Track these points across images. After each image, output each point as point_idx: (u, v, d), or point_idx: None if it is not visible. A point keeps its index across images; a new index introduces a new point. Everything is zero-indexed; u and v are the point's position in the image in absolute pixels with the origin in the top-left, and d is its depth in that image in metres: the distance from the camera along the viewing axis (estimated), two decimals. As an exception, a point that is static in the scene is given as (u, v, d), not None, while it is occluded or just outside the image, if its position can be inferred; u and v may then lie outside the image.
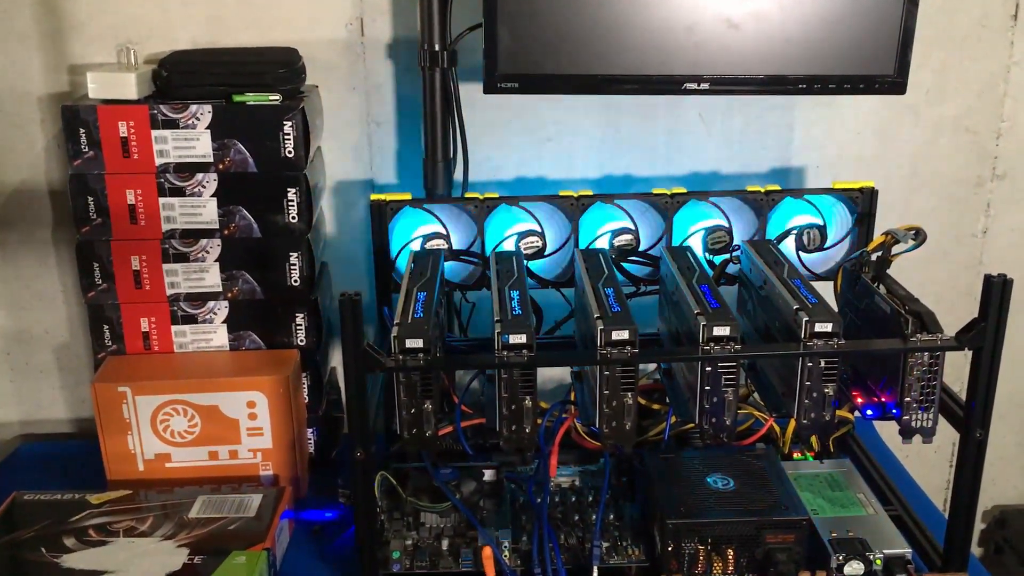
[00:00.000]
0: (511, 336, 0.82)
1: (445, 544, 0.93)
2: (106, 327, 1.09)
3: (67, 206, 1.06)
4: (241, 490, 1.04)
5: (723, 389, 0.84)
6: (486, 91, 1.02)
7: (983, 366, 0.82)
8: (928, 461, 1.44)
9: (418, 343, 0.82)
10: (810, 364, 0.83)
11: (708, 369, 0.83)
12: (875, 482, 1.04)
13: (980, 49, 1.23)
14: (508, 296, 0.89)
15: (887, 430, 1.18)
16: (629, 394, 0.84)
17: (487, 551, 0.88)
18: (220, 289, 1.08)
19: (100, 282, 1.07)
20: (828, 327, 0.82)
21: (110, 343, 1.10)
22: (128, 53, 1.07)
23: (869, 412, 0.90)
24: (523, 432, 0.84)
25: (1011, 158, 1.29)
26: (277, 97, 1.04)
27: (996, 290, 0.80)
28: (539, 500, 0.95)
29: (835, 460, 1.05)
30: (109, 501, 1.01)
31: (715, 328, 0.82)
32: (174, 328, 1.10)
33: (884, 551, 0.87)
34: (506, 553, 0.90)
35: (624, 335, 0.82)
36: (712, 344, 0.82)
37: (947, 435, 1.42)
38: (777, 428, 1.08)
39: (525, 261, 1.07)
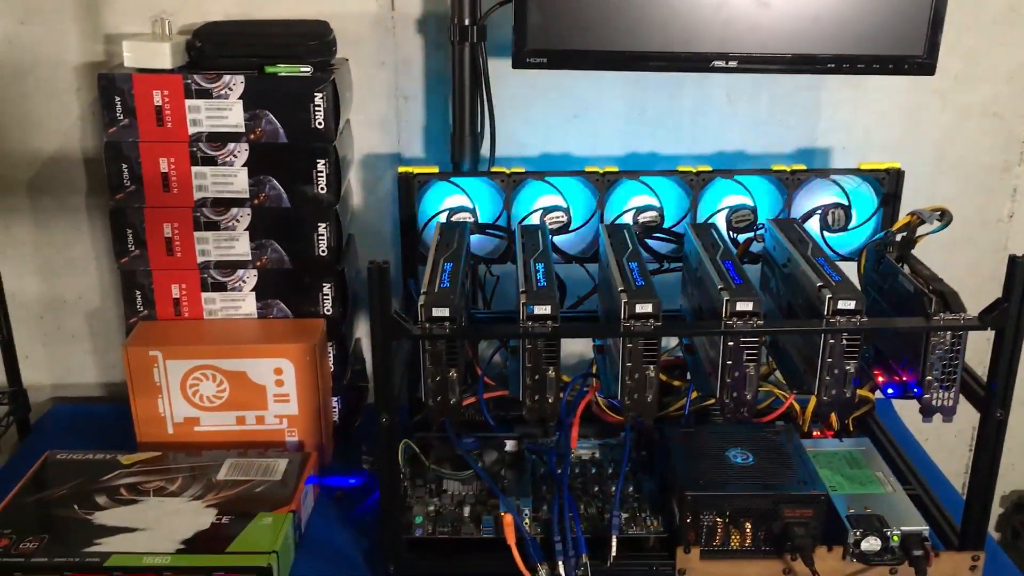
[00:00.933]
0: (536, 307, 0.83)
1: (467, 511, 0.94)
2: (138, 292, 1.11)
3: (101, 173, 1.08)
4: (267, 455, 1.06)
5: (745, 364, 0.85)
6: (515, 66, 1.03)
7: (1005, 346, 0.82)
8: (947, 445, 1.44)
9: (444, 312, 0.83)
10: (832, 341, 0.84)
11: (731, 344, 0.84)
12: (894, 462, 1.05)
13: (1010, 35, 1.22)
14: (533, 268, 0.90)
15: (908, 413, 1.20)
16: (652, 367, 0.85)
17: (508, 518, 0.89)
18: (249, 258, 1.10)
19: (133, 248, 1.09)
20: (851, 304, 0.83)
21: (142, 308, 1.12)
22: (162, 23, 1.09)
23: (890, 391, 0.91)
24: (546, 403, 0.86)
25: (1039, 143, 1.28)
26: (308, 69, 1.05)
27: (1020, 270, 0.80)
28: (559, 471, 0.96)
29: (854, 439, 1.06)
30: (140, 462, 1.04)
31: (738, 303, 0.83)
32: (204, 295, 1.12)
33: (901, 528, 0.88)
34: (526, 521, 0.91)
35: (648, 308, 0.83)
36: (735, 319, 0.83)
37: (968, 419, 1.43)
38: (797, 406, 1.08)
39: (550, 236, 1.08)
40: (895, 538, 0.88)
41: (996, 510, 1.50)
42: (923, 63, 1.03)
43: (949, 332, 0.84)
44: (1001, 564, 0.94)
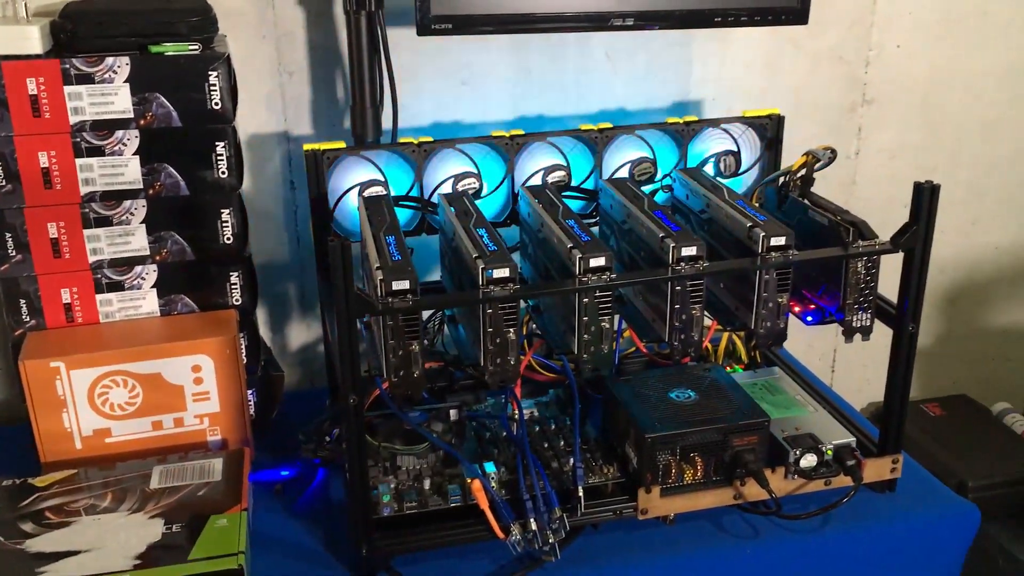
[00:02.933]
0: (495, 271, 0.83)
1: (427, 484, 0.94)
2: (23, 301, 1.02)
3: (-32, 174, 0.98)
4: (190, 458, 1.00)
5: (691, 306, 0.89)
6: (420, 33, 1.01)
7: (915, 266, 0.91)
8: (814, 367, 1.56)
9: (405, 284, 0.81)
10: (767, 276, 0.89)
11: (678, 289, 0.88)
12: (802, 386, 1.13)
13: (851, -18, 1.33)
14: (477, 233, 0.90)
15: (793, 344, 1.29)
16: (607, 318, 0.87)
17: (476, 483, 0.89)
18: (148, 252, 1.03)
19: (14, 253, 0.99)
20: (783, 240, 0.89)
21: (28, 318, 1.02)
22: (16, 4, 0.99)
23: (810, 319, 0.98)
24: (508, 365, 0.86)
25: (878, 84, 1.41)
26: (196, 47, 0.99)
27: (925, 196, 0.89)
28: (516, 431, 0.97)
29: (764, 369, 1.14)
30: (56, 482, 0.96)
31: (683, 249, 0.87)
32: (99, 297, 1.04)
33: (833, 442, 0.96)
34: (494, 483, 0.92)
35: (601, 261, 0.85)
36: (682, 264, 0.87)
37: (830, 343, 1.55)
38: (710, 346, 1.15)
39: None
40: (829, 452, 0.96)
41: (858, 422, 1.65)
42: (798, 12, 1.10)
43: (865, 258, 0.91)
44: (907, 463, 1.04)
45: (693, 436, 0.92)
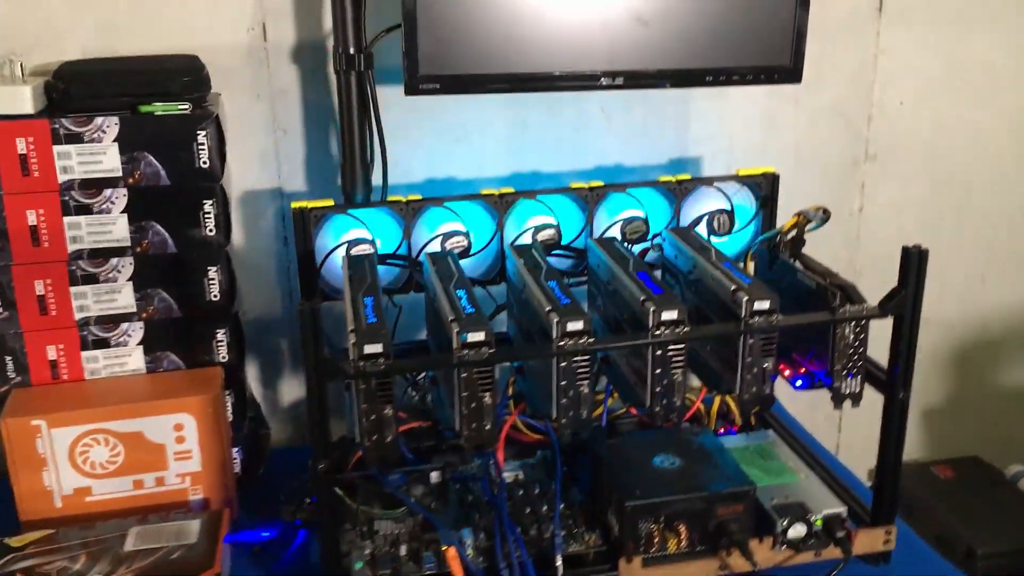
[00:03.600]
0: (470, 334, 0.82)
1: (403, 550, 0.92)
2: (8, 358, 1.02)
3: (-42, 231, 0.98)
4: (171, 518, 0.99)
5: (672, 371, 0.87)
6: (408, 93, 1.01)
7: (904, 331, 0.89)
8: (819, 428, 1.53)
9: (378, 348, 0.81)
10: (751, 341, 0.87)
11: (658, 353, 0.86)
12: (796, 450, 1.11)
13: (851, 40, 1.32)
14: (456, 296, 0.89)
15: (793, 404, 1.27)
16: (585, 383, 0.85)
17: (451, 551, 0.87)
18: (134, 309, 1.03)
19: (1, 310, 1.00)
20: (766, 304, 0.87)
21: (14, 375, 1.02)
22: (13, 65, 1.00)
23: (799, 383, 0.96)
24: (483, 429, 0.85)
25: (881, 140, 1.39)
26: (187, 106, 1.00)
27: (913, 260, 0.87)
28: (495, 496, 0.95)
29: (758, 432, 1.11)
30: (32, 543, 0.95)
31: (664, 313, 0.85)
32: (84, 354, 1.04)
33: (823, 512, 0.93)
34: (470, 551, 0.90)
35: (579, 325, 0.84)
36: (663, 328, 0.85)
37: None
38: (702, 407, 1.13)
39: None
40: (818, 522, 0.93)
41: (866, 483, 1.60)
42: (791, 71, 1.09)
43: (853, 323, 0.89)
44: (904, 533, 1.01)
45: (676, 504, 0.90)
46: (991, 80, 1.40)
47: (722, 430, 1.13)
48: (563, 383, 0.85)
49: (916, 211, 1.45)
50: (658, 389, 0.87)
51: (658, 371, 0.87)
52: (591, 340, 0.84)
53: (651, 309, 0.85)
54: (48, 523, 0.99)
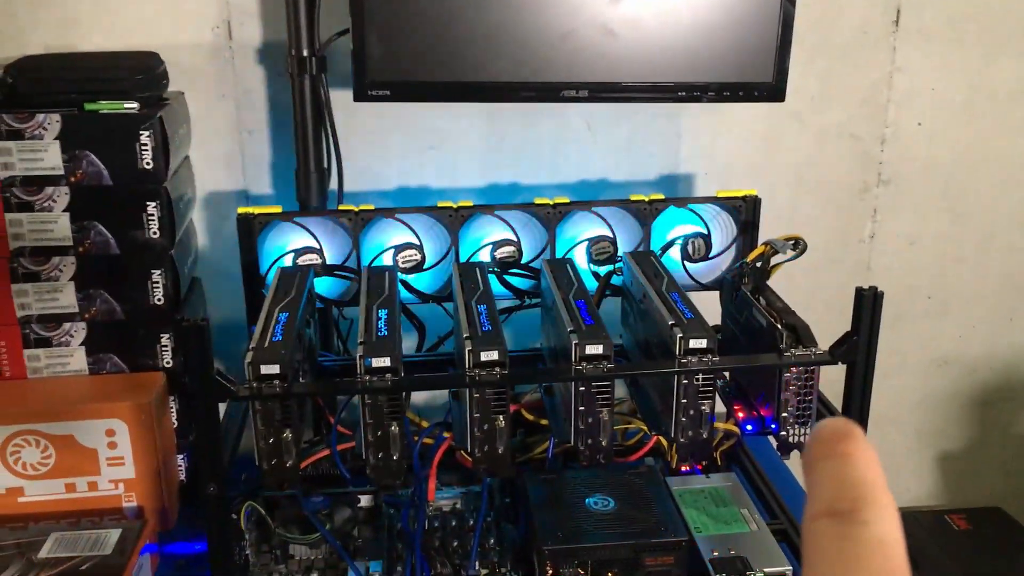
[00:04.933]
0: (374, 360, 0.77)
1: (314, 577, 0.88)
2: (-50, 353, 1.01)
3: (-98, 223, 0.98)
4: (102, 524, 0.97)
5: (598, 409, 0.81)
6: (356, 99, 0.97)
7: (856, 379, 0.81)
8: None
9: (274, 369, 0.77)
10: (686, 381, 0.81)
11: (582, 389, 0.80)
12: (762, 494, 1.03)
13: (862, 56, 1.23)
14: (375, 316, 0.85)
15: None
16: (501, 417, 0.80)
17: (356, 585, 0.83)
18: (76, 310, 1.01)
19: (-59, 305, 0.99)
20: (703, 343, 0.80)
21: (-45, 370, 1.02)
22: (-30, 57, 1.00)
23: (749, 427, 0.89)
24: (391, 460, 0.80)
25: (895, 164, 1.30)
26: (134, 105, 0.98)
27: (867, 303, 0.79)
28: (414, 527, 0.91)
29: (722, 474, 1.04)
30: (-46, 542, 0.94)
31: (588, 346, 0.79)
32: (27, 352, 1.02)
33: (764, 569, 0.86)
34: (377, 586, 0.86)
35: (494, 355, 0.78)
36: (585, 363, 0.79)
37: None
38: (664, 442, 1.06)
39: (403, 275, 1.03)
40: (759, 580, 0.86)
41: (872, 528, 1.50)
42: (773, 89, 1.01)
43: (802, 367, 0.82)
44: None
45: (598, 551, 0.84)
46: (1019, 106, 1.28)
47: (686, 467, 1.05)
48: (476, 415, 0.80)
49: (933, 242, 1.34)
50: (582, 426, 0.81)
51: (582, 408, 0.81)
52: (505, 372, 0.78)
53: (574, 343, 0.79)
54: (-19, 521, 0.98)
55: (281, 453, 0.79)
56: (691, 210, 1.06)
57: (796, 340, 0.82)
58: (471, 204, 1.04)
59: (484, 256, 1.05)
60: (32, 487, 0.99)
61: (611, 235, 1.06)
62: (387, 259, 1.04)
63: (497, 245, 1.05)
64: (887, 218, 1.32)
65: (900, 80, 1.25)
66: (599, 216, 1.06)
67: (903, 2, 1.21)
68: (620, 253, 1.04)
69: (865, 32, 1.22)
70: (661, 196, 1.07)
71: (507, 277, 1.05)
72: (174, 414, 1.06)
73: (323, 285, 1.04)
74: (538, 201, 1.05)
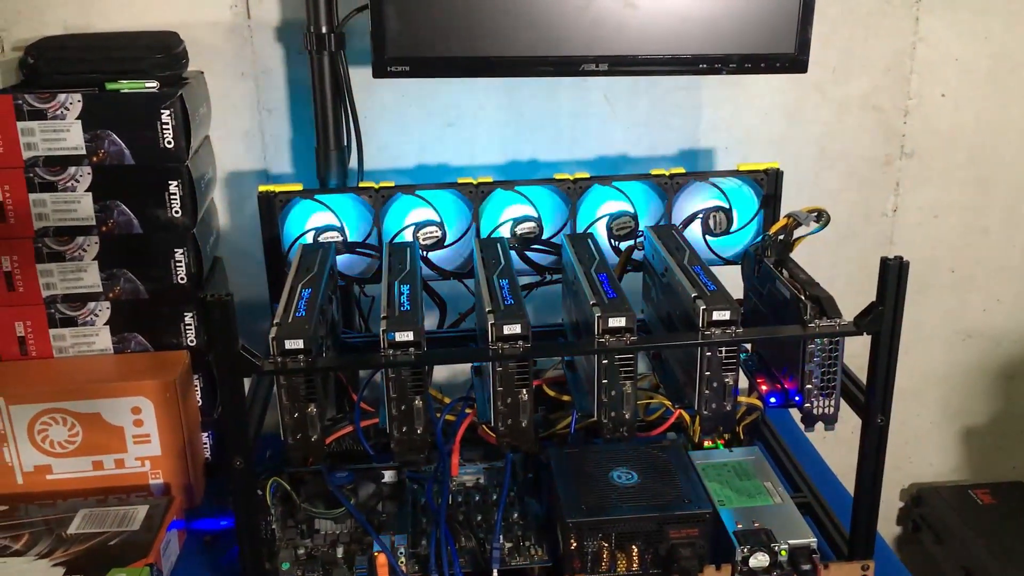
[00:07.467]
0: (397, 334, 0.78)
1: (340, 552, 0.89)
2: (-23, 333, 1.02)
3: (-72, 205, 0.99)
4: (129, 501, 0.98)
5: (621, 382, 0.81)
6: (376, 75, 0.97)
7: (882, 350, 0.80)
8: (846, 441, 1.43)
9: (298, 344, 0.77)
10: (709, 353, 0.80)
11: (605, 362, 0.80)
12: (785, 468, 1.03)
13: (885, 26, 1.22)
14: (398, 291, 0.85)
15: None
16: (524, 390, 0.80)
17: (381, 558, 0.84)
18: (100, 289, 1.02)
19: (-32, 285, 1.00)
20: (726, 315, 0.80)
21: (-18, 350, 1.03)
22: (-7, 38, 1.00)
23: (773, 400, 0.88)
24: (415, 434, 0.80)
25: (918, 136, 1.28)
26: (154, 84, 0.98)
27: (892, 273, 0.78)
28: (438, 502, 0.91)
29: (745, 448, 1.03)
30: (-13, 518, 0.95)
31: (611, 319, 0.79)
32: (52, 332, 1.03)
33: (789, 541, 0.85)
34: (402, 559, 0.86)
35: (516, 329, 0.78)
36: (608, 336, 0.79)
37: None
38: (687, 417, 1.05)
39: (424, 252, 1.03)
40: (783, 553, 0.85)
41: (896, 504, 1.50)
42: (795, 60, 1.00)
43: (826, 339, 0.81)
44: (894, 568, 0.92)
45: (622, 524, 0.84)
46: (1046, 73, 1.27)
47: (708, 443, 1.05)
48: (500, 388, 0.80)
49: (958, 214, 1.33)
50: (605, 399, 0.81)
51: (605, 381, 0.81)
52: (528, 345, 0.78)
53: (596, 315, 0.79)
54: (11, 499, 0.99)
55: (306, 428, 0.79)
56: (713, 184, 1.06)
57: (820, 312, 0.81)
58: (491, 180, 1.03)
59: (504, 232, 1.05)
60: (60, 464, 1.01)
61: (632, 210, 1.06)
62: (408, 236, 1.04)
63: (517, 221, 1.05)
64: (910, 190, 1.31)
65: (923, 50, 1.24)
66: (619, 191, 1.05)
67: (926, -29, 1.19)
68: (642, 227, 1.04)
69: (888, 1, 1.20)
70: (682, 170, 1.06)
71: (528, 253, 1.05)
72: (198, 392, 1.07)
73: (343, 263, 1.04)
74: (558, 177, 1.05)
